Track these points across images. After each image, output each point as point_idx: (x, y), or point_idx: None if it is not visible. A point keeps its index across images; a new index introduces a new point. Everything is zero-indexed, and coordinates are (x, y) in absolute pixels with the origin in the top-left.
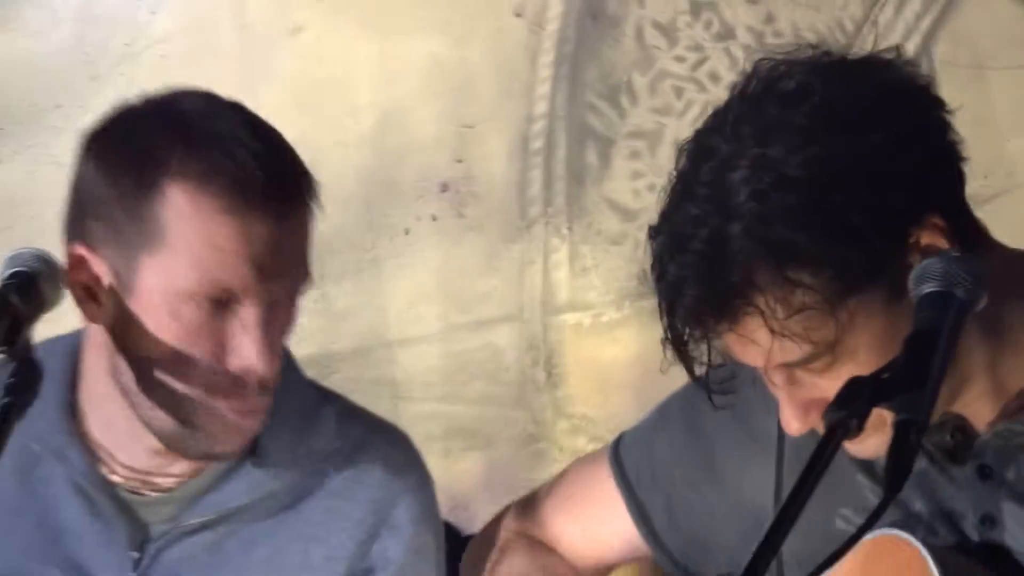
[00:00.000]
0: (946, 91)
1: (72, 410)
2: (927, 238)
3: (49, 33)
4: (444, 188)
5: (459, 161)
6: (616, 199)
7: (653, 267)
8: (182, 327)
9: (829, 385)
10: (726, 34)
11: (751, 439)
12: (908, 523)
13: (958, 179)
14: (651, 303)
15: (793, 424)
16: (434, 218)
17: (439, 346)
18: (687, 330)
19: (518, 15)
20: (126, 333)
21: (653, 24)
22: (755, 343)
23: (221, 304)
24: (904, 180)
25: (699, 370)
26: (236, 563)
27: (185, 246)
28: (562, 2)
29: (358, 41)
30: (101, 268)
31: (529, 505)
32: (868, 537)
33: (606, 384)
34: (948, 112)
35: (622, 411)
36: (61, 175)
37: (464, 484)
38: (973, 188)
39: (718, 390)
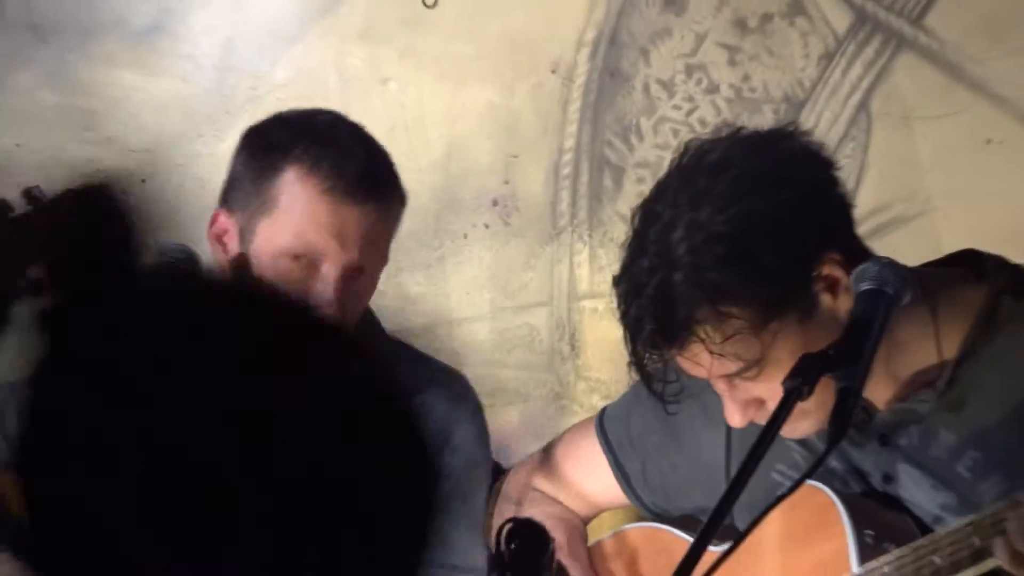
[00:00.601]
0: (880, 135)
1: None
2: (828, 270)
3: (194, 79)
4: (495, 203)
5: (506, 183)
6: (626, 214)
7: (618, 306)
8: (277, 276)
9: (761, 388)
10: (712, 89)
11: (706, 415)
12: (826, 477)
13: (849, 221)
14: None
15: (735, 418)
16: (487, 226)
17: (488, 324)
18: (647, 355)
19: (553, 71)
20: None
21: (656, 80)
22: (699, 363)
23: (309, 263)
24: (806, 228)
25: (656, 385)
26: None
27: (290, 215)
28: (587, 62)
29: (432, 90)
30: (231, 225)
31: (536, 465)
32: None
33: (615, 355)
34: (837, 169)
35: (626, 376)
36: (201, 188)
37: (505, 431)
38: (899, 210)
39: (672, 400)
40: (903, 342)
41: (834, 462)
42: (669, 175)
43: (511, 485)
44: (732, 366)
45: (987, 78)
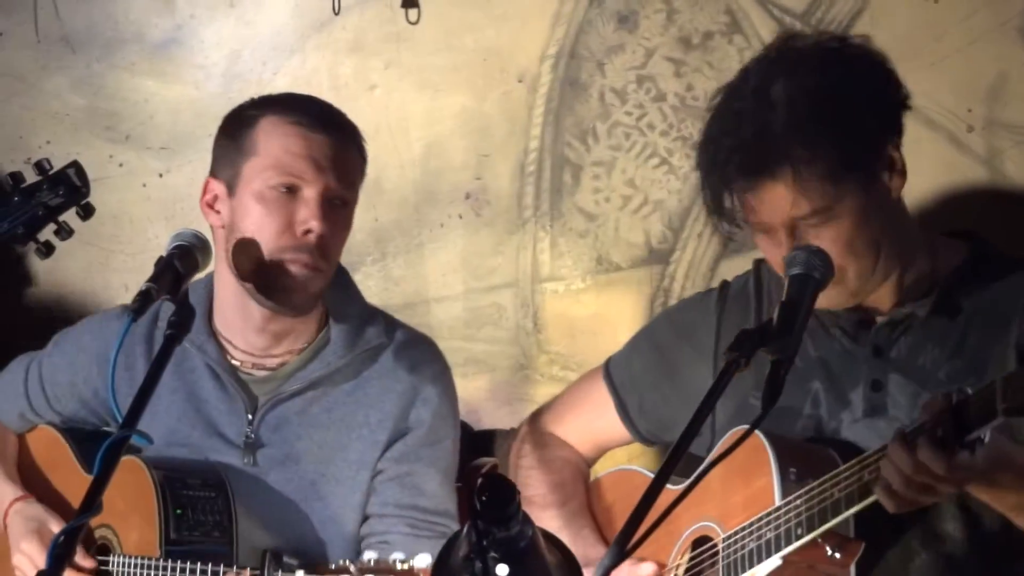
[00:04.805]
0: None
1: (209, 317)
2: (891, 150)
3: (205, 85)
4: (467, 196)
5: (478, 179)
6: (583, 207)
7: (706, 146)
8: (266, 208)
9: (818, 240)
10: (660, 97)
11: (696, 352)
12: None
13: (902, 117)
14: (606, 277)
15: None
16: (460, 216)
17: (462, 303)
18: (730, 185)
19: (520, 81)
20: (233, 223)
21: (611, 89)
22: (774, 204)
23: (292, 192)
24: (881, 106)
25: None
26: (318, 422)
27: (268, 151)
28: (550, 73)
29: (413, 97)
30: (219, 187)
31: (548, 410)
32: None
33: (572, 330)
34: (894, 70)
35: (582, 349)
36: None
37: (476, 397)
38: None
39: (737, 228)
40: (913, 261)
41: (816, 383)
42: (757, 59)
43: (527, 431)
44: (806, 207)
45: None
